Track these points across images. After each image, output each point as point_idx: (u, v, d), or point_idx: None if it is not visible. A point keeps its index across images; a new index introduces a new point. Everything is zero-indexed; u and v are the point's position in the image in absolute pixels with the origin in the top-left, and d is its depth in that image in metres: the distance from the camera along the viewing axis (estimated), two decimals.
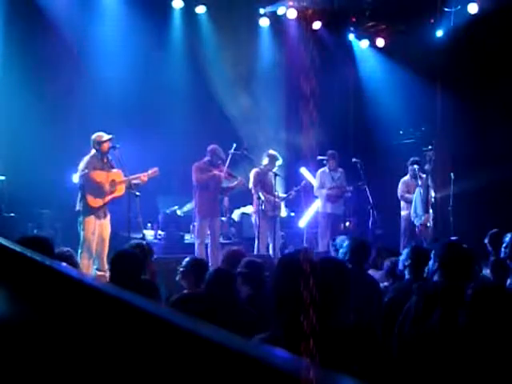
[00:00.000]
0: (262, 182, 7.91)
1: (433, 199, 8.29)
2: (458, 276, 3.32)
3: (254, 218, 7.97)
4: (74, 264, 4.21)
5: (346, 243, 4.28)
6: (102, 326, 0.96)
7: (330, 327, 2.12)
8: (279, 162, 8.03)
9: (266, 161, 7.97)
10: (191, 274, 4.08)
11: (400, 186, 8.70)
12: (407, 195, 8.54)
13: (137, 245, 4.31)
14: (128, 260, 3.70)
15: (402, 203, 8.68)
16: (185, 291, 4.05)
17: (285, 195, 8.42)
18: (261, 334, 2.26)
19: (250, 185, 7.92)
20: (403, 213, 8.62)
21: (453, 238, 5.46)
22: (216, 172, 7.41)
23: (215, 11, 9.66)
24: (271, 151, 8.10)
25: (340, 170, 8.74)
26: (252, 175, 7.93)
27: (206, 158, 7.54)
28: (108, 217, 6.57)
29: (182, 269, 4.16)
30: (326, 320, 2.17)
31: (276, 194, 8.04)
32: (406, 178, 8.66)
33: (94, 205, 6.43)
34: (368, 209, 8.42)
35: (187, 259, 4.26)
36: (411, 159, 8.53)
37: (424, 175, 8.20)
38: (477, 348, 2.28)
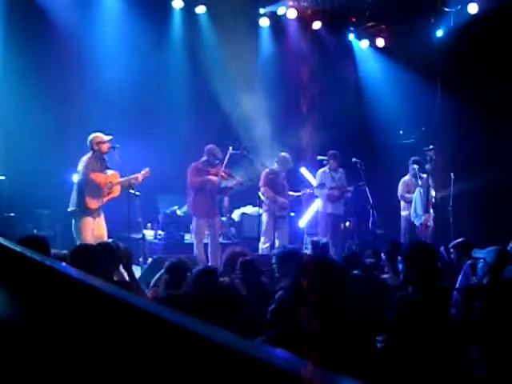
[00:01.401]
0: (272, 183, 7.93)
1: (433, 199, 8.28)
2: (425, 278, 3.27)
3: (263, 217, 8.02)
4: None
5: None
6: (102, 325, 0.96)
7: (328, 326, 2.12)
8: (290, 165, 8.11)
9: (277, 163, 8.06)
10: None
11: (400, 185, 8.69)
12: (407, 195, 8.53)
13: (105, 244, 4.33)
14: (86, 255, 3.80)
15: (402, 203, 8.67)
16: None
17: (299, 193, 8.45)
18: (261, 336, 2.27)
19: (260, 184, 8.00)
20: (403, 213, 8.61)
21: (462, 239, 5.40)
22: (211, 177, 7.41)
23: (215, 11, 9.65)
24: (283, 154, 8.15)
25: (340, 170, 8.74)
26: (262, 175, 7.99)
27: (204, 158, 7.56)
28: (102, 216, 6.63)
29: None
30: (326, 319, 2.16)
31: (291, 193, 8.19)
32: (407, 177, 8.65)
33: (92, 206, 6.47)
34: (368, 209, 8.42)
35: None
36: (412, 158, 8.53)
37: (424, 175, 8.20)
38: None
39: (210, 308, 2.92)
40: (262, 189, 7.93)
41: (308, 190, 8.44)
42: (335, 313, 2.24)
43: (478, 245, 5.09)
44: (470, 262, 4.34)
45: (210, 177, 7.42)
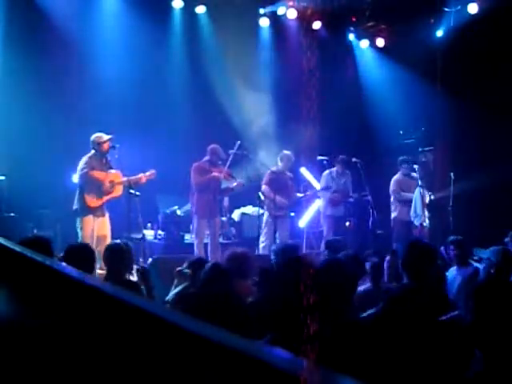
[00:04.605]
0: (274, 182, 7.91)
1: (427, 200, 8.28)
2: (422, 275, 3.35)
3: (264, 217, 8.03)
4: None
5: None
6: (102, 325, 0.96)
7: (332, 325, 2.12)
8: (292, 163, 8.11)
9: (280, 161, 8.04)
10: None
11: (392, 184, 8.64)
12: (403, 193, 8.52)
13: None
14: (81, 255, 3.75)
15: (393, 205, 8.62)
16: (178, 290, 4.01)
17: (302, 195, 8.49)
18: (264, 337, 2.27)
19: (262, 182, 8.01)
20: (394, 214, 8.57)
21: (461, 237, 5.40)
22: (215, 174, 7.43)
23: (215, 11, 9.65)
24: (286, 152, 8.13)
25: (347, 172, 8.72)
26: (266, 174, 8.00)
27: (206, 158, 7.57)
28: (106, 215, 6.63)
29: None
30: (330, 318, 2.16)
31: (298, 194, 8.27)
32: (397, 176, 8.65)
33: (92, 204, 6.48)
34: (368, 209, 8.42)
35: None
36: (400, 158, 8.60)
37: (415, 174, 8.29)
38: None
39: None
40: (262, 187, 7.96)
41: (309, 192, 8.46)
42: (337, 313, 2.24)
43: (478, 245, 5.10)
44: (474, 268, 4.35)
45: (214, 173, 7.44)
